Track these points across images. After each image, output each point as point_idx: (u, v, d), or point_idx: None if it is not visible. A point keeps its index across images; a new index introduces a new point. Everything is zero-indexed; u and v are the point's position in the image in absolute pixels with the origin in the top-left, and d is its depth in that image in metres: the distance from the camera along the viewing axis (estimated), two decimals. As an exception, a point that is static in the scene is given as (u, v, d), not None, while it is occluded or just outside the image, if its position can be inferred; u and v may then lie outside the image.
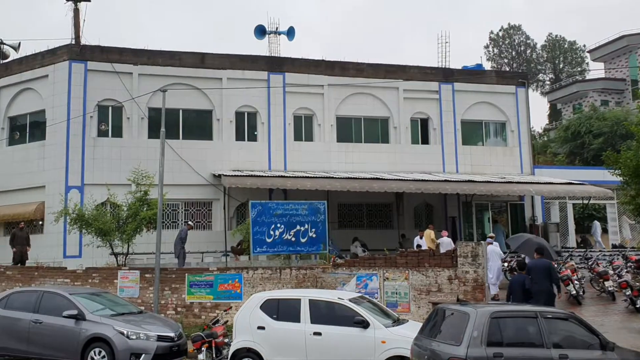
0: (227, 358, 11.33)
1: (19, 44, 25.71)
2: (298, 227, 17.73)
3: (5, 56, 25.34)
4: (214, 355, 11.68)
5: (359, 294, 12.68)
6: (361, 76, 25.34)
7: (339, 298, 11.20)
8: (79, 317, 11.97)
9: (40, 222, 22.37)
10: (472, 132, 27.39)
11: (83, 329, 11.86)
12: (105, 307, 12.81)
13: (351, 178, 22.77)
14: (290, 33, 26.99)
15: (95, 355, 11.63)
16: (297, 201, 18.79)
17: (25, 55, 24.13)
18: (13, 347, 12.36)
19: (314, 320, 10.84)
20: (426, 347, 8.63)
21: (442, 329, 8.81)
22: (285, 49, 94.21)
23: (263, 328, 11.06)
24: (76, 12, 23.26)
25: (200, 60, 24.07)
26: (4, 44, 25.55)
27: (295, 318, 10.97)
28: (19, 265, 18.97)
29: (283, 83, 24.40)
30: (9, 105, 24.06)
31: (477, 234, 26.24)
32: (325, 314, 11.01)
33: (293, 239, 17.57)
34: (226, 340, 11.98)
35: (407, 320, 11.72)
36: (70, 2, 23.25)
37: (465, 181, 23.34)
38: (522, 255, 17.72)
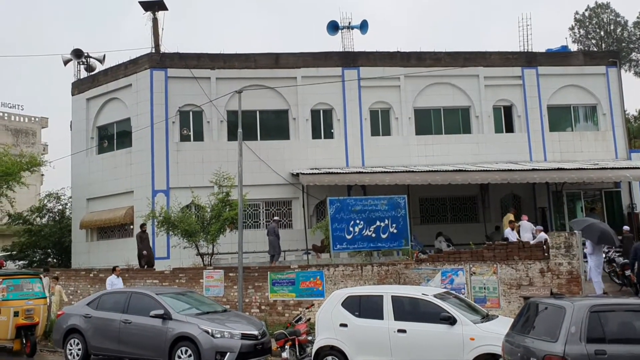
0: (311, 356, 11.16)
1: (104, 56, 26.94)
2: (378, 223, 17.35)
3: (92, 69, 26.56)
4: (297, 353, 11.54)
5: (445, 290, 12.15)
6: (439, 65, 24.58)
7: (423, 294, 10.75)
8: (166, 317, 12.17)
9: (131, 226, 23.23)
10: (560, 118, 25.92)
11: (170, 328, 12.05)
12: (190, 307, 12.99)
13: (432, 171, 22.10)
14: (364, 27, 26.59)
15: (182, 354, 11.78)
16: (375, 196, 18.41)
17: (109, 66, 25.21)
18: (107, 346, 12.77)
19: (398, 317, 10.45)
20: (519, 344, 8.06)
21: (536, 324, 8.19)
22: (359, 43, 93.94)
23: (345, 325, 10.79)
24: (155, 21, 24.01)
25: (275, 60, 24.20)
26: (90, 57, 26.80)
27: (378, 315, 10.62)
28: (146, 267, 19.10)
29: (358, 78, 24.08)
30: (97, 116, 25.26)
31: (569, 224, 24.78)
32: (409, 310, 10.60)
33: (373, 235, 17.21)
34: (309, 337, 11.81)
35: (497, 316, 11.09)
36: (149, 12, 24.00)
37: (555, 169, 22.09)
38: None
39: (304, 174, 21.96)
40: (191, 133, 23.62)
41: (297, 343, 11.56)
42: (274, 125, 24.28)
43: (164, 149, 22.89)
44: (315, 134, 24.11)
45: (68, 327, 13.23)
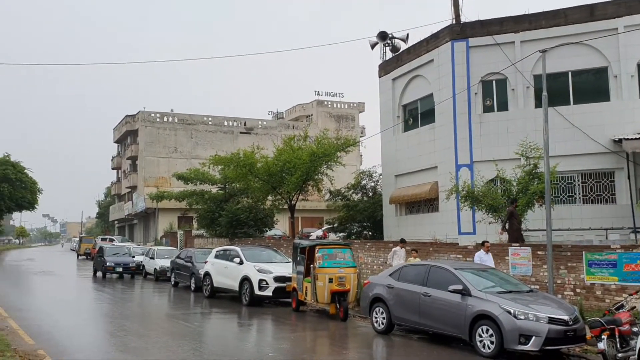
0: (636, 350, 9.31)
1: (407, 35, 27.47)
2: None
3: (397, 49, 27.32)
4: (618, 346, 9.79)
5: None
6: None
7: None
8: (464, 293, 11.62)
9: (436, 201, 23.30)
10: None
11: (469, 305, 11.46)
12: (493, 284, 12.18)
13: None
14: None
15: (482, 333, 11.09)
16: None
17: (412, 44, 25.60)
18: (408, 317, 12.84)
19: None
20: None
21: None
22: None
23: (683, 319, 8.69)
24: (455, -9, 23.37)
25: (589, 13, 21.27)
26: (395, 38, 27.59)
27: None
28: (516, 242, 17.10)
29: None
30: (402, 94, 25.99)
31: None
32: None
33: None
34: (634, 329, 9.92)
35: None
36: (448, -17, 23.49)
37: None
38: None
39: (628, 139, 18.86)
40: (494, 103, 22.46)
41: (617, 333, 9.82)
42: (590, 86, 21.43)
43: (466, 122, 22.26)
44: (644, 92, 20.48)
45: (373, 296, 13.70)
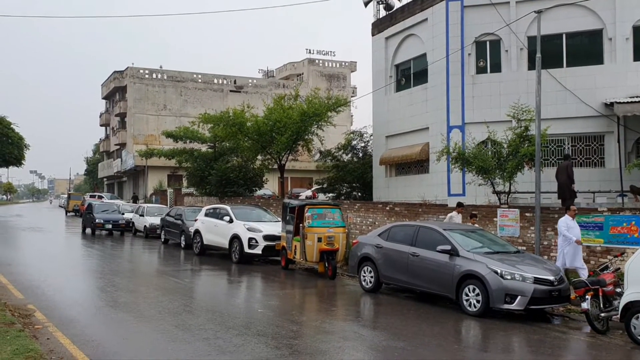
0: (618, 310, 9.52)
1: (402, -8, 26.89)
2: None
3: (390, 7, 26.84)
4: (601, 305, 9.99)
5: None
6: None
7: None
8: (452, 253, 11.77)
9: (426, 163, 23.31)
10: None
11: (457, 264, 11.62)
12: (479, 245, 12.34)
13: None
14: None
15: (469, 292, 11.28)
16: None
17: (406, 2, 25.15)
18: (396, 276, 13.01)
19: None
20: None
21: None
22: None
23: (666, 280, 8.84)
24: (449, -51, 22.82)
25: (587, -28, 20.92)
26: (390, -5, 27.07)
27: None
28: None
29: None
30: (395, 54, 25.67)
31: None
32: None
33: None
34: (617, 290, 10.11)
35: None
36: (443, -60, 22.92)
37: None
38: None
39: (620, 102, 18.82)
40: (487, 64, 22.24)
41: (600, 294, 10.00)
42: (584, 49, 21.25)
43: (459, 83, 22.07)
44: (638, 55, 20.33)
45: (361, 256, 13.84)
